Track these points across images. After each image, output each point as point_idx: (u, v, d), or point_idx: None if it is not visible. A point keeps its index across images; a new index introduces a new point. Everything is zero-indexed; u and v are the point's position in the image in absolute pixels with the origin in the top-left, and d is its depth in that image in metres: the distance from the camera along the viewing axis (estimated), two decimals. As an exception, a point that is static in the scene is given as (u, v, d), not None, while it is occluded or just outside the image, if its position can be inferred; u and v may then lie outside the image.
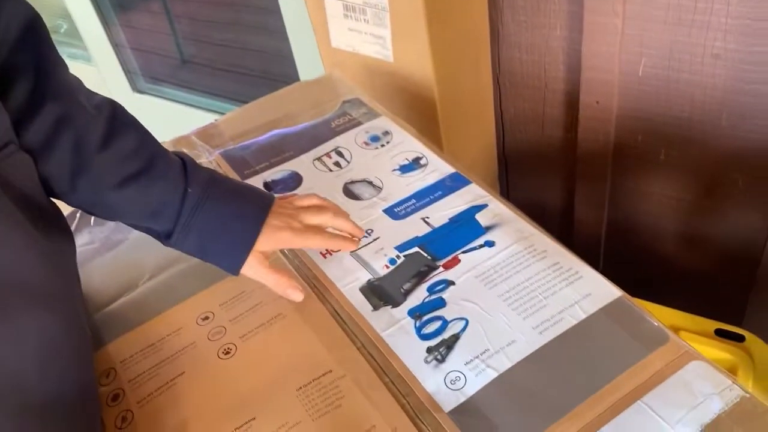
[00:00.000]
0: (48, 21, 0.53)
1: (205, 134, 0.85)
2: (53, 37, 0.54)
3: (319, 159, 0.79)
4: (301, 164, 0.79)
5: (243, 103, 0.91)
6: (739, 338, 0.84)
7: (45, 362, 0.46)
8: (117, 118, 0.56)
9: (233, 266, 0.59)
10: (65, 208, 0.57)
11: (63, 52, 0.95)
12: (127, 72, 1.96)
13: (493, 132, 1.20)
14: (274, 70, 1.73)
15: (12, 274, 0.44)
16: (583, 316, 0.57)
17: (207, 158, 0.81)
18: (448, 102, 0.98)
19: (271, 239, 0.60)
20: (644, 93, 1.04)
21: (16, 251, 0.45)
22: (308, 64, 1.37)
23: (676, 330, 0.84)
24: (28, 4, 0.52)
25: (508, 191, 1.34)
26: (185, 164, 0.59)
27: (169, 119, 1.90)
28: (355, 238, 0.66)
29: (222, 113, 1.83)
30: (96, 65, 1.99)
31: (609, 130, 1.10)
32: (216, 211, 0.58)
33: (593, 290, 0.59)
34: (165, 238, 0.59)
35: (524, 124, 1.21)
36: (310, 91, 0.91)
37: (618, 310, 0.57)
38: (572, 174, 1.19)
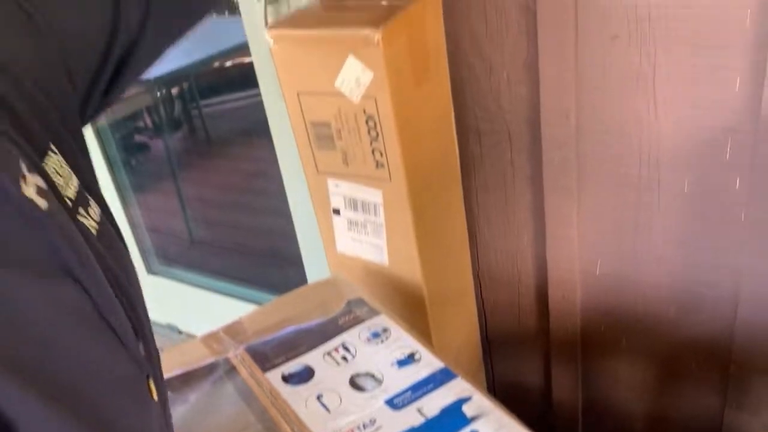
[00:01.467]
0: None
1: (232, 330, 1.00)
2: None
3: (328, 353, 0.94)
4: (313, 359, 0.93)
5: (252, 285, 1.07)
6: None
7: None
8: None
9: None
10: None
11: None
12: (143, 252, 2.13)
13: (476, 321, 1.36)
14: (280, 249, 1.91)
15: None
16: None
17: (234, 352, 0.95)
18: (435, 298, 1.15)
19: None
20: (603, 289, 1.22)
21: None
22: (315, 263, 1.56)
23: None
24: None
25: (492, 373, 1.47)
26: None
27: (181, 301, 2.05)
28: None
29: (231, 295, 1.98)
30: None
31: (576, 321, 1.26)
32: None
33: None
34: None
35: (503, 314, 1.37)
36: (319, 292, 1.08)
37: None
38: (548, 358, 1.34)
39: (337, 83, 0.95)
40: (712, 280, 1.11)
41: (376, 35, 0.88)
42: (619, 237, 1.15)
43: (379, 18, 0.90)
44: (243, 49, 1.44)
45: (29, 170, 0.37)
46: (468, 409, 0.81)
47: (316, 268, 1.58)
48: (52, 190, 0.38)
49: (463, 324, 1.30)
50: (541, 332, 1.34)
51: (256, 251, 2.18)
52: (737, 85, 0.93)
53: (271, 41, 0.97)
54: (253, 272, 2.11)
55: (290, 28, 0.97)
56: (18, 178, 0.35)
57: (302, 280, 1.64)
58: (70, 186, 0.42)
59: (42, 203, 0.36)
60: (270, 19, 1.25)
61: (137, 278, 0.48)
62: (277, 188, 1.54)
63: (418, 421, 0.80)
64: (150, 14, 0.55)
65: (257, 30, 1.32)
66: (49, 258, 0.37)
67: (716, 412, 1.20)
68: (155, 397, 0.45)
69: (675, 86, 0.99)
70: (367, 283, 1.15)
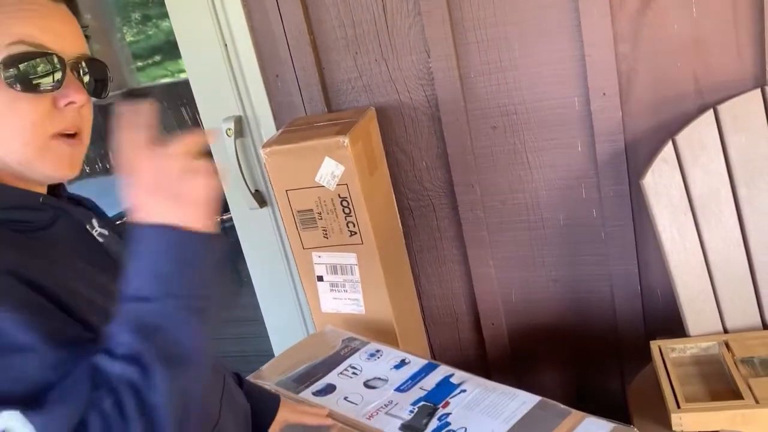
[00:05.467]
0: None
1: (257, 376, 1.28)
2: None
3: (341, 373, 1.25)
4: (331, 378, 1.24)
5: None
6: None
7: None
8: None
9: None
10: None
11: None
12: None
13: (429, 354, 1.70)
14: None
15: None
16: (525, 411, 1.04)
17: (270, 386, 1.23)
18: (403, 334, 1.49)
19: None
20: (519, 312, 1.62)
21: None
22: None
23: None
24: None
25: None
26: None
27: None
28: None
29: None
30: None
31: (505, 342, 1.65)
32: None
33: (525, 399, 1.07)
34: None
35: (447, 348, 1.73)
36: (317, 340, 1.39)
37: (542, 404, 1.05)
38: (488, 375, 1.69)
39: (317, 178, 1.34)
40: (592, 288, 1.55)
41: (345, 140, 1.29)
42: (523, 268, 1.58)
43: (343, 129, 1.32)
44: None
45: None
46: (454, 380, 1.16)
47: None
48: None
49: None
50: (479, 358, 1.71)
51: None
52: (579, 146, 1.42)
53: (265, 156, 1.35)
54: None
55: (278, 145, 1.35)
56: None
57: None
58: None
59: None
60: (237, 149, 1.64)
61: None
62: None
63: (421, 394, 1.13)
64: None
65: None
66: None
67: (618, 387, 1.60)
68: None
69: (540, 155, 1.46)
70: (349, 330, 1.48)
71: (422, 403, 1.11)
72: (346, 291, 1.45)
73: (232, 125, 1.62)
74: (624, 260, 1.48)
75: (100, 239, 0.77)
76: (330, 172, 1.32)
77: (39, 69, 0.66)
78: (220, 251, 0.64)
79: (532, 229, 1.53)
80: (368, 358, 1.28)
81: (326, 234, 1.40)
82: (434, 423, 1.05)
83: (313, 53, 1.50)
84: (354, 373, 1.25)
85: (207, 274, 0.63)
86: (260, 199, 1.70)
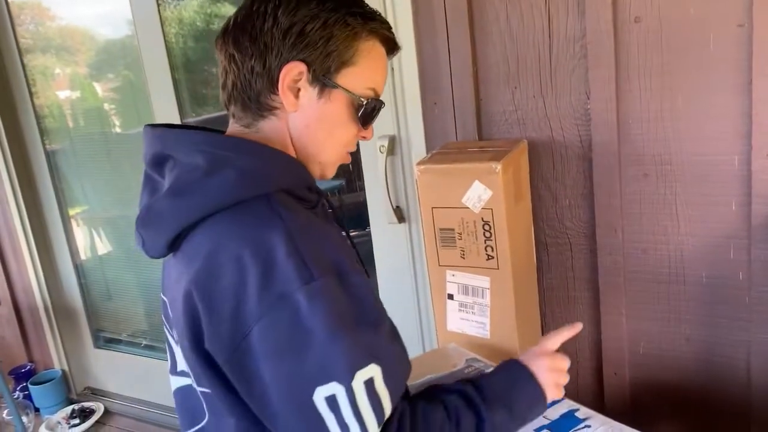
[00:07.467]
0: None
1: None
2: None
3: (464, 389, 1.27)
4: (453, 392, 1.27)
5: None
6: None
7: None
8: None
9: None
10: None
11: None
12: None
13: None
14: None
15: None
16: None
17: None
18: (523, 367, 1.49)
19: None
20: (645, 366, 1.58)
21: None
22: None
23: None
24: None
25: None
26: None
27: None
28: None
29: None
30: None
31: (626, 394, 1.61)
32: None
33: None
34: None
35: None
36: (441, 355, 1.43)
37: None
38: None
39: (463, 200, 1.39)
40: (727, 353, 1.49)
41: (498, 166, 1.34)
42: (656, 322, 1.54)
43: (496, 156, 1.37)
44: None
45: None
46: (579, 414, 1.15)
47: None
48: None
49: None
50: (596, 407, 1.67)
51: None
52: (733, 205, 1.39)
53: (417, 172, 1.42)
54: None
55: (431, 164, 1.43)
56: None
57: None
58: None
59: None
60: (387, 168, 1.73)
61: None
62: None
63: (544, 422, 1.14)
64: None
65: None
66: None
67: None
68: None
69: (690, 209, 1.44)
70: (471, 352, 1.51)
71: (545, 430, 1.12)
72: (474, 313, 1.48)
73: (386, 143, 1.72)
74: (767, 329, 1.41)
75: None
76: (477, 195, 1.37)
77: (374, 111, 0.93)
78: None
79: (672, 282, 1.50)
80: (491, 380, 1.30)
81: (463, 255, 1.44)
82: (558, 453, 1.06)
83: (473, 84, 1.58)
84: (476, 392, 1.27)
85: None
86: (400, 215, 1.78)
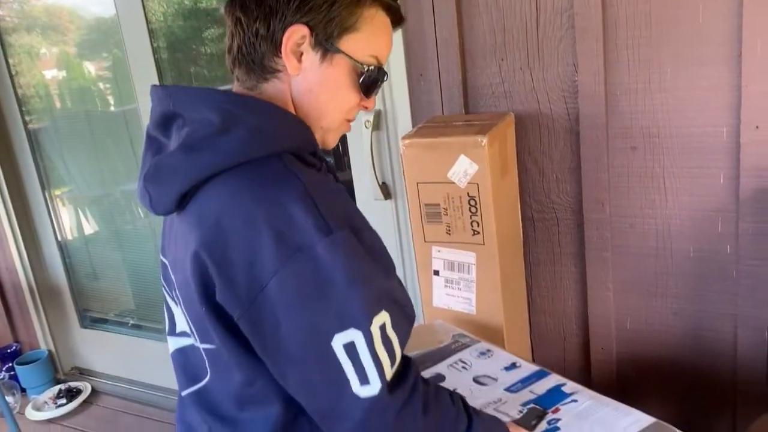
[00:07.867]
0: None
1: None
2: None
3: (451, 365, 1.27)
4: (440, 368, 1.26)
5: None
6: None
7: None
8: None
9: None
10: None
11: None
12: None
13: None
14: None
15: None
16: (639, 429, 1.02)
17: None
18: (508, 344, 1.49)
19: None
20: (632, 341, 1.58)
21: None
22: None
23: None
24: None
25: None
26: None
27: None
28: None
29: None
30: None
31: (612, 369, 1.61)
32: None
33: (639, 418, 1.04)
34: None
35: (550, 366, 1.69)
36: (427, 331, 1.42)
37: (657, 426, 1.02)
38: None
39: (449, 174, 1.37)
40: (714, 326, 1.48)
41: (484, 140, 1.31)
42: (643, 296, 1.54)
43: (482, 130, 1.35)
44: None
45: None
46: (566, 389, 1.15)
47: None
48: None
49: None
50: (583, 381, 1.66)
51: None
52: (722, 178, 1.38)
53: (402, 147, 1.40)
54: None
55: (417, 138, 1.40)
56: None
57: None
58: None
59: None
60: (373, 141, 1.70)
61: None
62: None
63: (531, 397, 1.13)
64: None
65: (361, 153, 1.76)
66: None
67: (728, 438, 1.52)
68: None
69: (678, 182, 1.43)
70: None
71: (532, 405, 1.11)
72: (459, 289, 1.47)
73: (371, 118, 1.69)
74: (754, 302, 1.41)
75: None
76: (463, 170, 1.35)
77: (378, 79, 0.92)
78: None
79: (659, 256, 1.49)
80: (479, 356, 1.29)
81: (449, 230, 1.42)
82: (543, 426, 1.05)
83: (459, 56, 1.55)
84: (464, 367, 1.26)
85: None
86: (386, 191, 1.75)
